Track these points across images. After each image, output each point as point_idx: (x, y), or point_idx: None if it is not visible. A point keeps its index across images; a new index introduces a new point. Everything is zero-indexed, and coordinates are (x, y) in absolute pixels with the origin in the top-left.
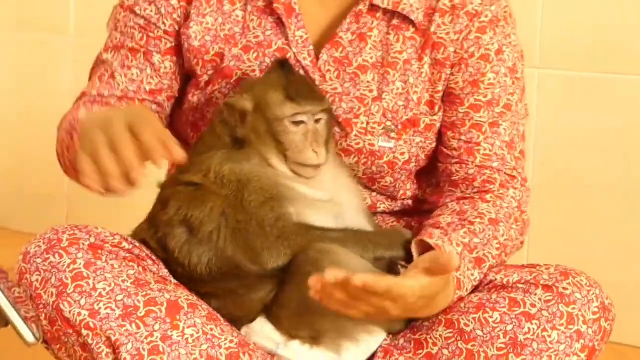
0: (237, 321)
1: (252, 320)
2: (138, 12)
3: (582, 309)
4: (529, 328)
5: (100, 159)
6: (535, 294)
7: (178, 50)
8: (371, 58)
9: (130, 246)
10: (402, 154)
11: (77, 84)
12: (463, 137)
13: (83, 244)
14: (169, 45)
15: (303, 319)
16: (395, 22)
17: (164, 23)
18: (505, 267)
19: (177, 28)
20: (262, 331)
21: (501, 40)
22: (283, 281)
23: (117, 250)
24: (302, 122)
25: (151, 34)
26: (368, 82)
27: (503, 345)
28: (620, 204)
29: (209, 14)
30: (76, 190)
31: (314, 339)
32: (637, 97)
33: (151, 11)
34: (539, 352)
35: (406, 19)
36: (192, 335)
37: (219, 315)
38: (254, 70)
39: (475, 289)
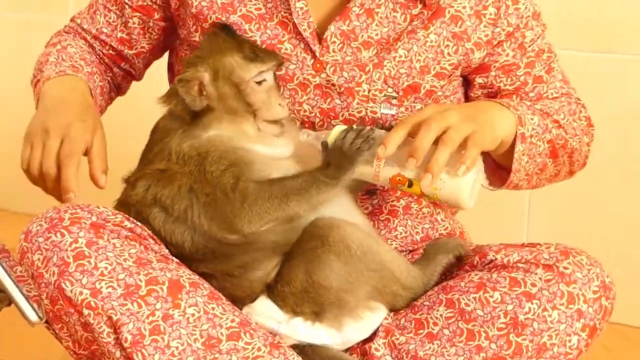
0: (239, 301)
1: (253, 300)
2: None
3: (583, 288)
4: (529, 308)
5: (34, 174)
6: (536, 274)
7: (152, 10)
8: (376, 35)
9: (132, 225)
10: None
11: None
12: (531, 94)
13: (85, 223)
14: (140, 2)
15: (308, 294)
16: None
17: None
18: (505, 247)
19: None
20: (264, 310)
21: (530, 0)
22: (287, 258)
23: (118, 229)
24: (264, 80)
25: None
26: (370, 57)
27: (503, 325)
28: (621, 181)
29: None
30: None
31: (317, 315)
32: (636, 75)
33: None
34: (539, 332)
35: None
36: (193, 315)
37: (220, 295)
38: (255, 41)
39: (474, 268)
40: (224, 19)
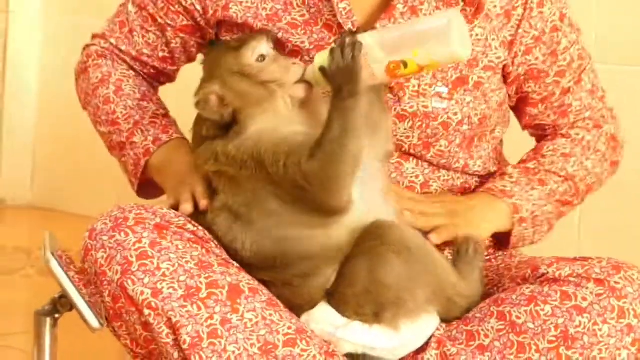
0: (298, 308)
1: (312, 307)
2: None
3: (634, 302)
4: (580, 321)
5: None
6: (587, 288)
7: (194, 29)
8: None
9: (195, 228)
10: (455, 114)
11: None
12: (556, 105)
13: (149, 224)
14: (185, 22)
15: (369, 294)
16: None
17: (183, 3)
18: (557, 260)
19: (203, 7)
20: (323, 316)
21: (557, 5)
22: (347, 260)
23: (181, 232)
24: (263, 54)
25: (171, 8)
26: None
27: (554, 338)
28: None
29: None
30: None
31: (376, 315)
32: None
33: None
34: (589, 346)
35: None
36: (250, 320)
37: (278, 302)
38: (303, 42)
39: (525, 281)
40: (270, 26)
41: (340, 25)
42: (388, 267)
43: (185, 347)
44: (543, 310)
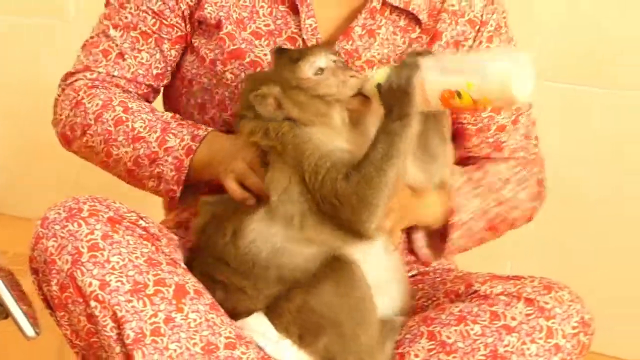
0: (237, 315)
1: (249, 315)
2: None
3: (562, 323)
4: (509, 341)
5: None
6: (516, 307)
7: (185, 37)
8: (378, 54)
9: (147, 224)
10: None
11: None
12: (491, 140)
13: (102, 216)
14: (179, 33)
15: (299, 314)
16: (402, 23)
17: (179, 8)
18: (491, 278)
19: (189, 13)
20: (257, 327)
21: (505, 43)
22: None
23: (133, 227)
24: (320, 68)
25: (164, 21)
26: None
27: (483, 357)
28: (614, 215)
29: None
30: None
31: (300, 338)
32: (631, 110)
33: None
34: None
35: (412, 21)
36: (194, 320)
37: (219, 307)
38: (265, 54)
39: (457, 298)
40: (236, 34)
41: (304, 41)
42: (324, 295)
43: (128, 342)
44: (472, 329)
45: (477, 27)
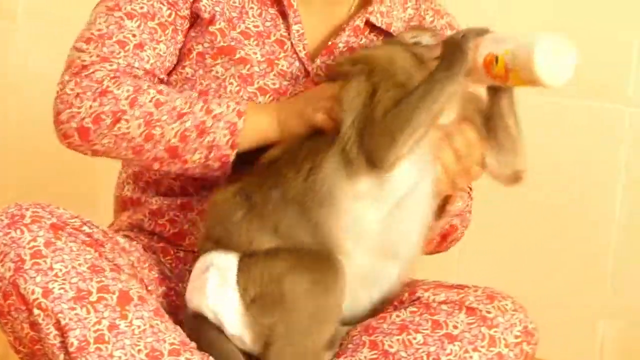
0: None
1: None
2: None
3: (504, 332)
4: (451, 349)
5: None
6: (459, 316)
7: (188, 32)
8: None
9: (90, 230)
10: None
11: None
12: None
13: (45, 223)
14: (186, 26)
15: (272, 287)
16: (379, 44)
17: (188, 0)
18: (436, 286)
19: (191, 6)
20: (222, 263)
21: None
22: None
23: (77, 233)
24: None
25: (179, 13)
26: None
27: None
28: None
29: None
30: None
31: (253, 301)
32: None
33: None
34: None
35: None
36: (138, 327)
37: (164, 312)
38: (255, 53)
39: (401, 305)
40: (227, 32)
41: (292, 45)
42: (301, 283)
43: (72, 350)
44: (415, 338)
45: None
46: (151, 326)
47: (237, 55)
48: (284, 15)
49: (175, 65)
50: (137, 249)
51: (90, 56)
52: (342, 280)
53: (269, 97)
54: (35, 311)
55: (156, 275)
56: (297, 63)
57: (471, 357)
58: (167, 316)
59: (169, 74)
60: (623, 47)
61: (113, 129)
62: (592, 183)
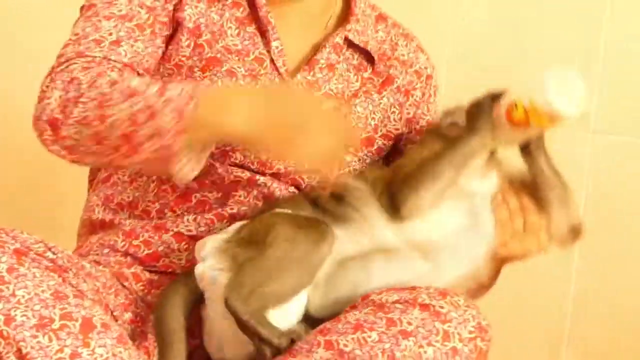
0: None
1: None
2: None
3: (458, 327)
4: (405, 345)
5: None
6: (412, 313)
7: (168, 39)
8: (335, 89)
9: (54, 256)
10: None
11: None
12: None
13: (8, 248)
14: (166, 32)
15: (259, 225)
16: (355, 62)
17: (167, 8)
18: (387, 289)
19: (173, 15)
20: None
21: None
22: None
23: (40, 259)
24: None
25: (158, 18)
26: None
27: None
28: None
29: (201, 1)
30: None
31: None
32: None
33: None
34: None
35: (364, 61)
36: (101, 355)
37: (128, 339)
38: (240, 67)
39: (353, 308)
40: (212, 43)
41: (272, 61)
42: (286, 230)
43: None
44: (370, 337)
45: (423, 78)
46: (114, 354)
47: (224, 68)
48: (262, 32)
49: (164, 78)
50: (104, 273)
51: (67, 55)
52: (326, 244)
53: None
54: None
55: (122, 301)
56: (277, 80)
57: (426, 351)
58: (130, 343)
59: None
60: (585, 74)
61: (74, 115)
62: None
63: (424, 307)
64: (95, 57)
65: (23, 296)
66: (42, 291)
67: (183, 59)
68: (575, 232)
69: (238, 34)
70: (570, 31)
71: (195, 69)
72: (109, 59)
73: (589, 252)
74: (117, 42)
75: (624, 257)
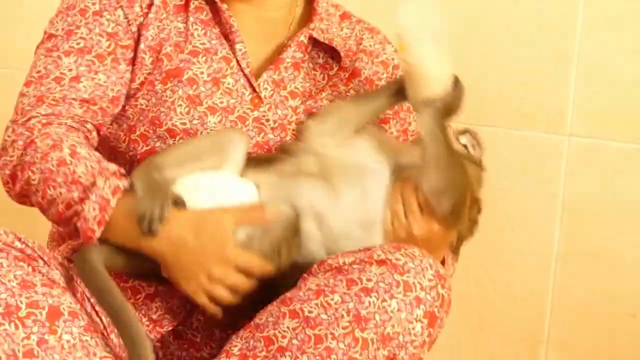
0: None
1: None
2: (106, 17)
3: (417, 276)
4: (369, 302)
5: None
6: (370, 271)
7: (133, 61)
8: (301, 87)
9: (23, 245)
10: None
11: None
12: None
13: None
14: (130, 55)
15: None
16: (320, 60)
17: (130, 31)
18: (342, 253)
19: (137, 36)
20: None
21: None
22: None
23: (8, 249)
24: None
25: (119, 42)
26: (296, 106)
27: (347, 324)
28: None
29: (165, 17)
30: None
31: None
32: None
33: (119, 16)
34: (381, 323)
35: (330, 58)
36: (68, 342)
37: (95, 328)
38: (202, 72)
39: (310, 273)
40: (174, 56)
41: (238, 62)
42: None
43: None
44: (332, 299)
45: (390, 68)
46: (81, 341)
47: (185, 76)
48: (225, 35)
49: (130, 98)
50: None
51: (29, 99)
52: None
53: (218, 115)
54: None
55: None
56: (242, 80)
57: (390, 304)
58: (98, 332)
59: (124, 108)
60: (561, 77)
61: (25, 177)
62: (531, 212)
63: (381, 262)
64: (56, 98)
65: None
66: (9, 280)
67: (146, 75)
68: (443, 202)
69: (205, 34)
70: (545, 33)
71: (156, 82)
72: (69, 98)
73: (567, 253)
74: (76, 79)
75: (600, 259)
